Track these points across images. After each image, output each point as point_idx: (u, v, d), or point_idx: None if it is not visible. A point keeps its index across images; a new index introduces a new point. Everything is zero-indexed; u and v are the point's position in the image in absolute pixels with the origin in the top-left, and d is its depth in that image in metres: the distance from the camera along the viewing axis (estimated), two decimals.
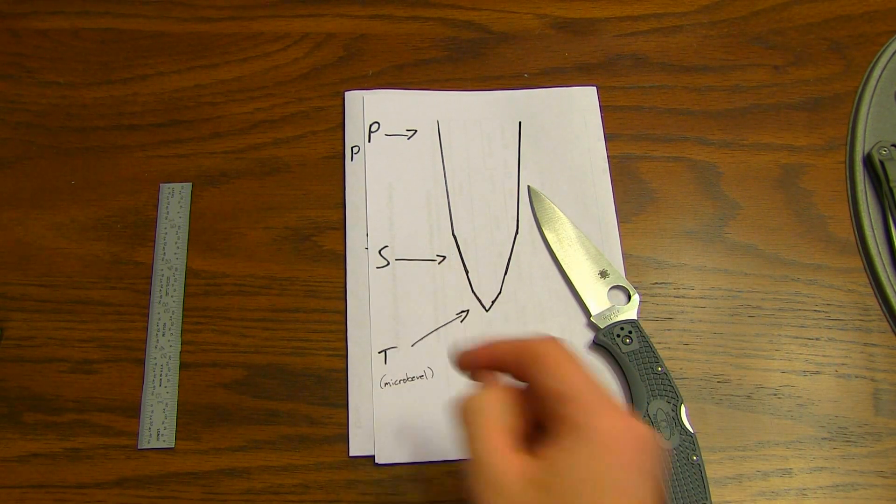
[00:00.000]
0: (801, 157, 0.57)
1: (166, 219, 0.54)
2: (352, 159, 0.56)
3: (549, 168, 0.56)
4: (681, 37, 0.61)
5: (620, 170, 0.56)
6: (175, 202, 0.54)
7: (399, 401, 0.49)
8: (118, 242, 0.53)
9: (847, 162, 0.57)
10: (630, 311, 0.51)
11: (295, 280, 0.52)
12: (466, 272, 0.53)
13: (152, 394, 0.49)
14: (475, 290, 0.52)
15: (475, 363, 0.37)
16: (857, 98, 0.59)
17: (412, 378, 0.50)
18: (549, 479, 0.31)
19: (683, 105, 0.58)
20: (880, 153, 0.55)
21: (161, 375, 0.49)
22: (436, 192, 0.55)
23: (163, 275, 0.52)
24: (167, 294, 0.52)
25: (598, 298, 0.52)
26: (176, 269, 0.52)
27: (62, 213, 0.54)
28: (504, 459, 0.32)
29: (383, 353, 0.50)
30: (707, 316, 0.52)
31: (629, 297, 0.52)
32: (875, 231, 0.54)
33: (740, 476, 0.48)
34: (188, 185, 0.55)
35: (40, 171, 0.56)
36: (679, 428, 0.47)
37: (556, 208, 0.54)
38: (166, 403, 0.49)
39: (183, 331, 0.51)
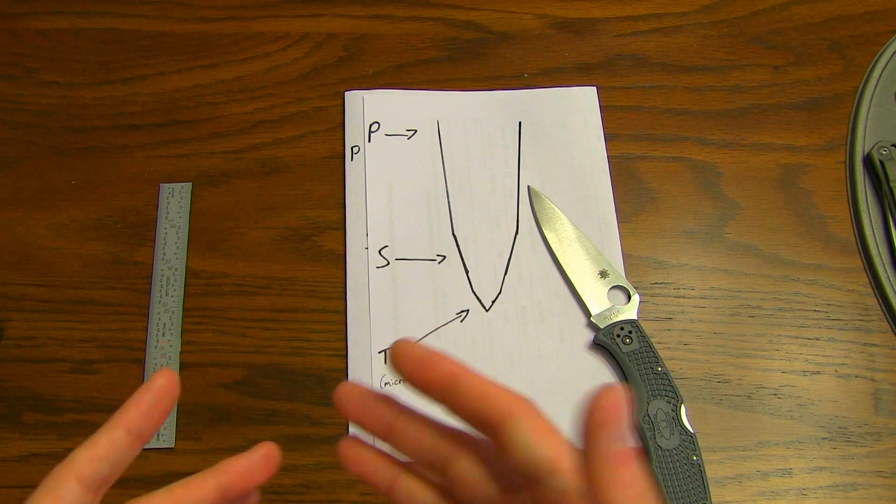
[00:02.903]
0: (801, 157, 0.57)
1: (166, 219, 0.54)
2: (352, 159, 0.56)
3: (549, 168, 0.56)
4: (681, 37, 0.61)
5: (620, 170, 0.56)
6: (175, 202, 0.54)
7: None
8: (118, 242, 0.53)
9: (847, 162, 0.57)
10: (630, 311, 0.51)
11: (295, 280, 0.52)
12: (466, 272, 0.53)
13: None
14: (475, 290, 0.52)
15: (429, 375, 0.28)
16: (857, 98, 0.59)
17: None
18: None
19: (683, 105, 0.58)
20: (880, 153, 0.55)
21: None
22: (436, 192, 0.55)
23: (163, 275, 0.52)
24: (167, 294, 0.52)
25: (598, 298, 0.52)
26: (176, 269, 0.52)
27: (62, 213, 0.54)
28: None
29: (383, 353, 0.50)
30: (707, 316, 0.52)
31: (629, 297, 0.52)
32: (875, 231, 0.54)
33: (740, 476, 0.48)
34: (188, 185, 0.55)
35: (40, 171, 0.56)
36: (679, 428, 0.47)
37: (556, 208, 0.54)
38: None
39: (183, 331, 0.51)
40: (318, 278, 0.53)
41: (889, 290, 0.52)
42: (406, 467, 0.31)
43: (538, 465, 0.26)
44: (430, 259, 0.53)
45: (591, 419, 0.25)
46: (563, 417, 0.49)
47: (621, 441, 0.25)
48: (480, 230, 0.54)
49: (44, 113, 0.57)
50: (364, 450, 0.31)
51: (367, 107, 0.58)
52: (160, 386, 0.30)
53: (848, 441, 0.49)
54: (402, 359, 0.29)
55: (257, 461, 0.30)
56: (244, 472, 0.30)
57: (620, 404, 0.25)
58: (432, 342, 0.51)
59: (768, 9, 0.62)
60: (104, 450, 0.29)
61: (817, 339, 0.51)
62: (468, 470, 0.29)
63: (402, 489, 0.31)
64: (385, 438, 0.31)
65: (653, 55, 0.60)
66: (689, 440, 0.47)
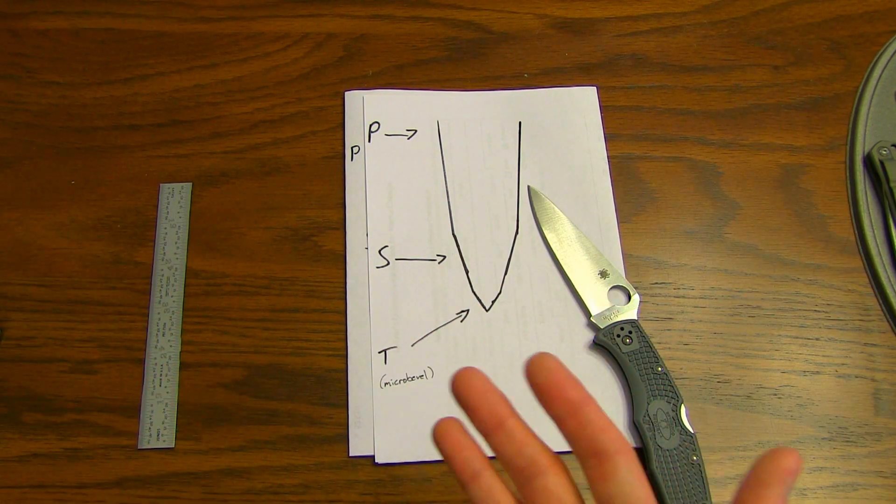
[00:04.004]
0: (801, 157, 0.57)
1: (166, 219, 0.54)
2: (352, 159, 0.56)
3: (549, 168, 0.56)
4: (681, 37, 0.61)
5: (620, 170, 0.56)
6: (175, 202, 0.54)
7: (399, 401, 0.49)
8: (118, 242, 0.53)
9: (847, 162, 0.57)
10: (630, 311, 0.51)
11: (295, 280, 0.52)
12: (466, 272, 0.53)
13: (152, 394, 0.49)
14: (475, 290, 0.52)
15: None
16: (857, 98, 0.59)
17: (412, 378, 0.50)
18: None
19: (683, 105, 0.58)
20: (880, 153, 0.55)
21: (161, 375, 0.50)
22: (436, 192, 0.55)
23: (163, 275, 0.52)
24: (167, 294, 0.52)
25: (598, 298, 0.52)
26: (176, 269, 0.52)
27: (62, 213, 0.54)
28: None
29: (383, 353, 0.50)
30: (707, 316, 0.52)
31: (629, 297, 0.52)
32: (875, 231, 0.54)
33: (740, 476, 0.48)
34: (188, 185, 0.55)
35: (40, 171, 0.56)
36: (679, 428, 0.47)
37: (556, 208, 0.54)
38: (166, 403, 0.49)
39: (183, 331, 0.51)
40: (318, 278, 0.53)
41: (889, 290, 0.52)
42: (492, 466, 0.33)
43: (631, 501, 0.30)
44: (430, 259, 0.53)
45: (761, 475, 0.29)
46: None
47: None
48: (480, 230, 0.54)
49: (44, 113, 0.57)
50: (461, 434, 0.33)
51: (367, 107, 0.58)
52: None
53: (848, 441, 0.49)
54: (540, 371, 0.32)
55: None
56: None
57: (796, 469, 0.29)
58: (432, 342, 0.51)
59: (768, 9, 0.62)
60: None
61: (817, 339, 0.51)
62: (555, 488, 0.31)
63: (482, 485, 0.32)
64: (490, 432, 0.33)
65: (653, 55, 0.60)
66: (689, 440, 0.47)
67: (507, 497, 0.32)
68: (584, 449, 0.31)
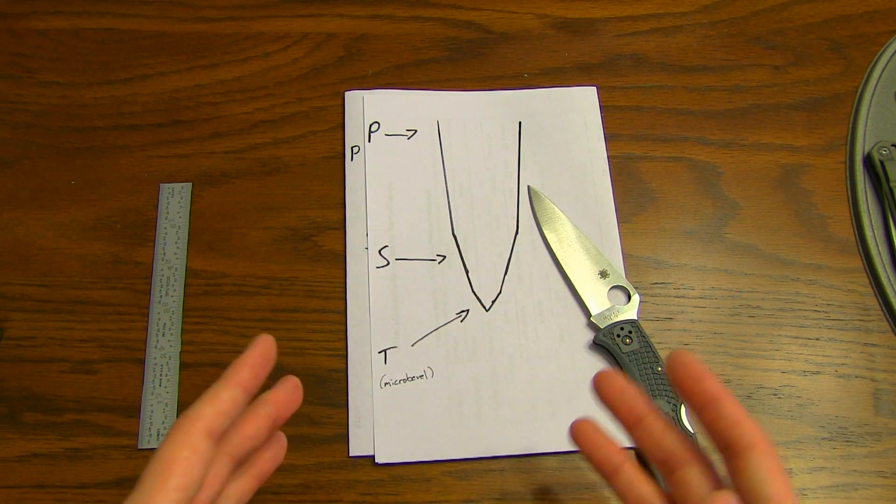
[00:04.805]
0: (801, 157, 0.57)
1: (166, 219, 0.54)
2: (352, 159, 0.56)
3: (549, 168, 0.56)
4: (681, 37, 0.61)
5: (620, 170, 0.56)
6: (175, 202, 0.54)
7: (399, 401, 0.49)
8: (118, 242, 0.53)
9: (847, 162, 0.57)
10: (630, 311, 0.51)
11: (295, 280, 0.52)
12: (466, 272, 0.53)
13: (152, 394, 0.49)
14: (475, 290, 0.52)
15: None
16: (857, 98, 0.59)
17: (412, 378, 0.50)
18: None
19: (683, 105, 0.58)
20: (880, 153, 0.55)
21: (161, 375, 0.50)
22: (436, 192, 0.55)
23: (163, 275, 0.52)
24: (167, 294, 0.52)
25: (598, 298, 0.52)
26: (176, 269, 0.52)
27: (62, 213, 0.54)
28: None
29: (383, 352, 0.50)
30: (707, 316, 0.52)
31: (629, 297, 0.52)
32: (875, 231, 0.54)
33: None
34: (188, 185, 0.55)
35: (40, 171, 0.56)
36: (679, 428, 0.47)
37: (556, 208, 0.54)
38: (166, 403, 0.49)
39: (183, 331, 0.51)
40: (318, 278, 0.53)
41: (889, 290, 0.52)
42: (630, 459, 0.35)
43: (763, 497, 0.30)
44: (430, 259, 0.53)
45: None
46: (563, 417, 0.49)
47: None
48: (480, 230, 0.54)
49: (44, 113, 0.57)
50: (596, 432, 0.36)
51: (367, 107, 0.58)
52: (265, 348, 0.36)
53: (848, 441, 0.49)
54: (679, 367, 0.33)
55: (291, 391, 0.37)
56: (286, 402, 0.37)
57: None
58: (432, 342, 0.51)
59: (768, 9, 0.62)
60: (227, 405, 0.33)
61: (817, 339, 0.51)
62: (695, 479, 0.33)
63: (624, 477, 0.35)
64: (631, 429, 0.35)
65: (653, 55, 0.60)
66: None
67: (648, 487, 0.34)
68: (720, 442, 0.32)
